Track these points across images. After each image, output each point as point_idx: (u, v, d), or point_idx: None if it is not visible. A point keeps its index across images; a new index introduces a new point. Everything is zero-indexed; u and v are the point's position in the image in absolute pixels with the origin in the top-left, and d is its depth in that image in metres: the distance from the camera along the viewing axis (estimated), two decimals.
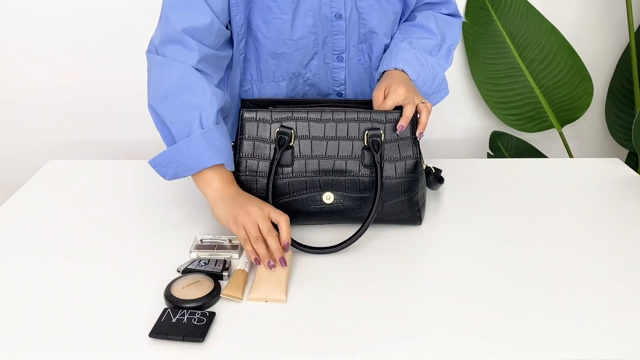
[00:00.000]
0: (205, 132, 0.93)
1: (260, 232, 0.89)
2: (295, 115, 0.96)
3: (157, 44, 0.99)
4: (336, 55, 1.12)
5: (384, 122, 0.98)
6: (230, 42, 1.08)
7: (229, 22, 1.05)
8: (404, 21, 1.18)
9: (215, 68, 1.03)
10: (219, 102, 0.97)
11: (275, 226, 0.90)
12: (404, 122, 0.96)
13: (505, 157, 1.89)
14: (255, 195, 0.97)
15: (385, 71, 1.08)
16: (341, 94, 1.17)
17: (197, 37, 0.97)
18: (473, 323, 0.79)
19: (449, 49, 1.16)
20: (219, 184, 0.94)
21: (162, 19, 1.00)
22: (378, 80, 1.11)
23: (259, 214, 0.89)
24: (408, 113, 0.97)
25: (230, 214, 0.91)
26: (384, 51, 1.15)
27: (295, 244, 0.93)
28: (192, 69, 0.96)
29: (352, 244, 0.96)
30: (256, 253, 0.88)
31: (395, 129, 0.98)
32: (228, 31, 1.05)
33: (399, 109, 0.99)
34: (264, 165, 0.97)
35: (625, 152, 1.97)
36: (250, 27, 1.07)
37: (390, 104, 0.99)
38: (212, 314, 0.79)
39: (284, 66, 1.11)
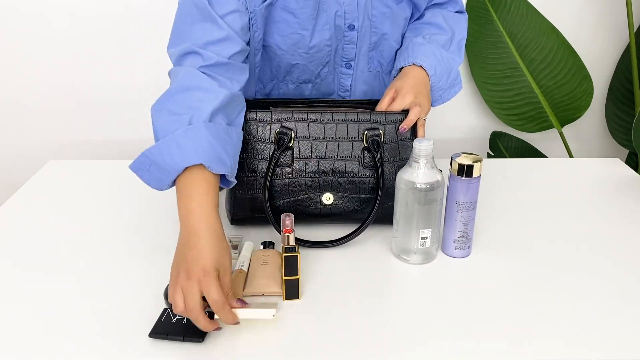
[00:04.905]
0: (189, 129, 0.80)
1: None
2: (295, 116, 0.97)
3: (173, 61, 0.93)
4: (345, 62, 1.11)
5: (384, 122, 0.98)
6: (247, 58, 1.02)
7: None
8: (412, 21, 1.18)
9: (231, 78, 0.93)
10: (220, 101, 0.86)
11: None
12: (406, 125, 0.97)
13: (505, 157, 1.89)
14: (255, 196, 0.97)
15: (402, 68, 1.08)
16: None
17: (212, 50, 0.91)
18: (472, 323, 0.79)
19: (460, 44, 1.16)
20: (192, 199, 0.79)
21: (175, 34, 0.95)
22: (395, 76, 1.11)
23: (194, 288, 0.73)
24: (413, 116, 0.97)
25: (173, 266, 0.77)
26: (395, 56, 1.15)
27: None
28: (198, 72, 0.88)
29: (351, 243, 0.96)
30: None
31: (396, 131, 0.98)
32: (247, 47, 0.98)
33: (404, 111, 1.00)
34: (263, 166, 0.97)
35: (625, 152, 1.97)
36: (265, 40, 1.04)
37: (396, 107, 1.00)
38: (212, 314, 0.79)
39: (296, 74, 1.10)
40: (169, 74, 0.93)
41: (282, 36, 1.03)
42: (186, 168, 0.81)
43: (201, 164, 0.80)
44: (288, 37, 1.03)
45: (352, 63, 1.12)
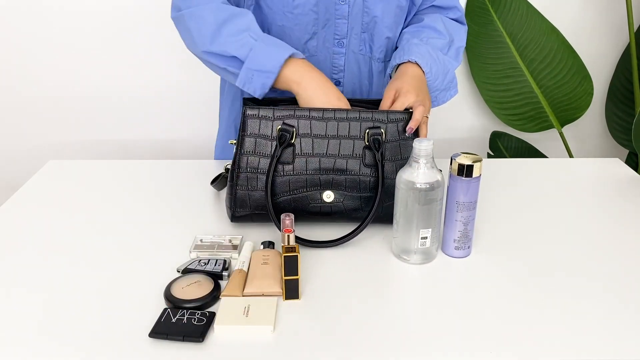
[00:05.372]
0: (261, 39, 1.00)
1: None
2: (297, 113, 0.97)
3: (179, 2, 1.05)
4: (337, 40, 1.13)
5: (386, 121, 0.98)
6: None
7: None
8: (412, 24, 1.19)
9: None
10: (254, 17, 1.03)
11: None
12: (413, 124, 0.97)
13: (505, 157, 1.89)
14: (255, 193, 0.98)
15: (398, 66, 1.09)
16: (339, 82, 1.17)
17: None
18: (472, 323, 0.79)
19: (458, 51, 1.18)
20: (300, 74, 1.00)
21: None
22: (391, 75, 1.11)
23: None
24: (418, 115, 0.97)
25: (312, 99, 0.99)
26: (386, 44, 1.16)
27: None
28: (221, 4, 1.02)
29: (351, 243, 0.96)
30: None
31: (398, 130, 0.98)
32: None
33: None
34: (265, 163, 0.97)
35: (625, 152, 1.97)
36: None
37: (398, 106, 1.01)
38: (212, 314, 0.79)
39: (284, 40, 1.11)
40: (184, 15, 1.03)
41: None
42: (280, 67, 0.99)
43: (289, 58, 1.00)
44: None
45: (344, 41, 1.13)
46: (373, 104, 1.05)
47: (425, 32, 1.15)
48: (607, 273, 0.90)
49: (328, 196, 0.98)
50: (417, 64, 1.07)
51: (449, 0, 1.20)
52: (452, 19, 1.21)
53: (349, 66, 1.17)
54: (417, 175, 0.87)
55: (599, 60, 1.91)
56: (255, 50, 0.99)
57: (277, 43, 1.01)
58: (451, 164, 0.90)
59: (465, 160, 0.88)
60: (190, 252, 0.94)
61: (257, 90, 1.01)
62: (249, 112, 0.97)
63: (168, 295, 0.82)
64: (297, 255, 0.81)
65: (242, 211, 0.99)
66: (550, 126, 1.86)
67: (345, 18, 1.10)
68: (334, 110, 0.98)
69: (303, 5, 1.08)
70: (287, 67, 1.00)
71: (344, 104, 1.00)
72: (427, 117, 1.02)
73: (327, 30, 1.11)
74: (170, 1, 1.08)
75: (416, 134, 1.00)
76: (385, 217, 0.99)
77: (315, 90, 0.99)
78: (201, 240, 0.97)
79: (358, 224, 0.96)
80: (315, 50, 1.14)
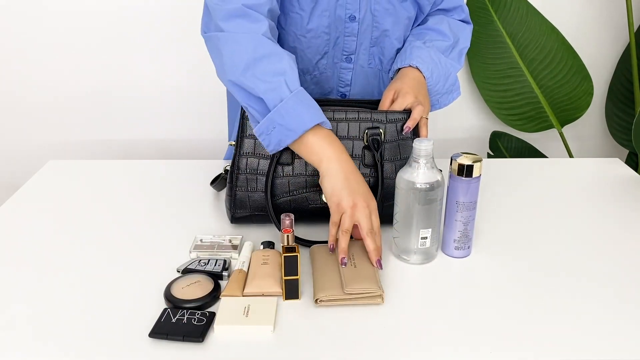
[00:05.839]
0: (297, 93, 0.91)
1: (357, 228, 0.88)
2: None
3: (218, 21, 0.95)
4: (345, 56, 1.12)
5: (385, 122, 0.98)
6: None
7: None
8: (417, 25, 1.18)
9: (276, 37, 1.01)
10: (296, 64, 0.95)
11: None
12: (410, 124, 0.97)
13: (505, 157, 1.89)
14: (255, 194, 0.98)
15: (399, 69, 1.09)
16: (345, 95, 1.17)
17: (259, 10, 0.95)
18: (472, 323, 0.79)
19: (461, 52, 1.17)
20: (327, 149, 0.91)
21: None
22: (392, 78, 1.11)
23: (363, 212, 0.87)
24: (416, 115, 0.98)
25: (336, 194, 0.89)
26: (396, 55, 1.15)
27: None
28: (263, 38, 0.94)
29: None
30: (335, 244, 0.88)
31: (397, 130, 0.98)
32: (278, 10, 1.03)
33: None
34: (264, 164, 0.97)
35: (625, 152, 1.97)
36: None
37: (397, 107, 1.01)
38: (212, 314, 0.79)
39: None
40: (219, 37, 0.95)
41: (284, 14, 1.06)
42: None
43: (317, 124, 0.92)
44: (289, 16, 1.05)
45: (352, 57, 1.12)
46: (372, 104, 1.05)
47: (428, 34, 1.14)
48: (607, 273, 0.90)
49: None
50: (418, 69, 1.07)
51: (454, 2, 1.19)
52: (457, 20, 1.21)
53: (357, 80, 1.16)
54: (417, 175, 0.87)
55: (599, 60, 1.91)
56: (287, 104, 0.90)
57: (310, 104, 0.92)
58: (451, 164, 0.90)
59: (465, 160, 0.88)
60: (190, 252, 0.94)
61: (272, 144, 0.93)
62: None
63: (168, 295, 0.82)
64: (297, 255, 0.81)
65: (241, 212, 0.99)
66: (550, 126, 1.86)
67: (355, 35, 1.09)
68: (333, 111, 0.98)
69: (316, 29, 1.07)
70: (312, 134, 0.91)
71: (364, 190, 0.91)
72: (426, 118, 1.01)
73: (336, 48, 1.11)
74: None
75: (415, 134, 1.00)
76: (385, 217, 0.99)
77: (338, 176, 0.90)
78: (201, 240, 0.97)
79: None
80: (325, 68, 1.13)
